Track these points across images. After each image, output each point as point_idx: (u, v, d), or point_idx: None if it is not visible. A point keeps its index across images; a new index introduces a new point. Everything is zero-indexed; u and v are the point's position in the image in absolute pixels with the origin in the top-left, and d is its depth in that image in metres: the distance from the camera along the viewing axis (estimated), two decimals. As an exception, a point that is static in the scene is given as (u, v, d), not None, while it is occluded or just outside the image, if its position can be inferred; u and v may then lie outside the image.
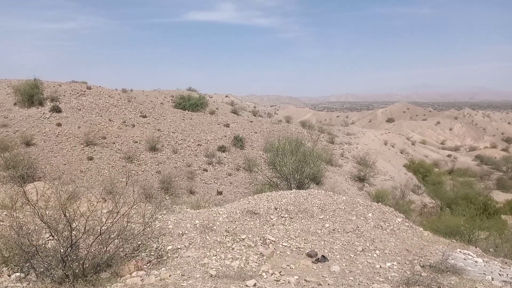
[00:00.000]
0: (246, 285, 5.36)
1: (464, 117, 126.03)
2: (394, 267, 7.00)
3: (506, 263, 8.32)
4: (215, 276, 6.01)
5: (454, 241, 10.13)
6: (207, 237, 7.81)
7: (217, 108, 41.41)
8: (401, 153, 48.76)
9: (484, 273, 6.74)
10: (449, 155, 63.55)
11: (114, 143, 25.53)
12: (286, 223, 8.83)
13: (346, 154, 36.72)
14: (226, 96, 78.75)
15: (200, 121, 33.67)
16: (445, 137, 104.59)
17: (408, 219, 10.48)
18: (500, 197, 36.52)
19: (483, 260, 7.81)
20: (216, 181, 24.30)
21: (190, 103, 37.30)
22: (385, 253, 7.64)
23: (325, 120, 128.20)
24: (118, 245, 6.33)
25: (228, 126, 34.28)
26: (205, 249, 7.34)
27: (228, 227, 8.35)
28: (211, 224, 8.39)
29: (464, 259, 7.68)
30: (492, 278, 6.41)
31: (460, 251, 8.31)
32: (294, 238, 8.09)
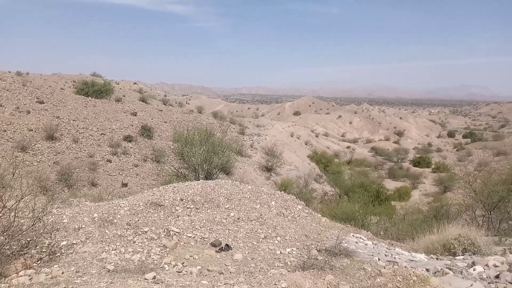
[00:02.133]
0: (145, 279, 5.22)
1: (362, 112, 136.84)
2: (293, 252, 7.36)
3: (392, 244, 9.25)
4: (113, 271, 5.77)
5: (349, 226, 10.97)
6: (107, 231, 7.45)
7: (124, 96, 39.43)
8: (305, 144, 51.43)
9: (372, 255, 7.39)
10: (348, 147, 68.59)
11: (5, 131, 23.08)
12: (191, 214, 8.78)
13: (255, 145, 37.65)
14: (135, 83, 75.52)
15: (105, 109, 31.82)
16: (345, 130, 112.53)
17: (309, 206, 11.07)
18: (390, 185, 40.55)
19: (373, 243, 8.58)
20: (121, 173, 23.24)
21: (94, 89, 35.01)
22: (286, 239, 7.99)
23: (237, 111, 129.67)
24: (4, 243, 5.76)
25: (135, 115, 32.92)
26: (104, 243, 7.00)
27: (130, 220, 8.05)
28: (111, 217, 8.01)
29: (356, 242, 8.36)
30: (378, 259, 7.05)
31: (353, 235, 9.03)
32: (199, 228, 8.07)
